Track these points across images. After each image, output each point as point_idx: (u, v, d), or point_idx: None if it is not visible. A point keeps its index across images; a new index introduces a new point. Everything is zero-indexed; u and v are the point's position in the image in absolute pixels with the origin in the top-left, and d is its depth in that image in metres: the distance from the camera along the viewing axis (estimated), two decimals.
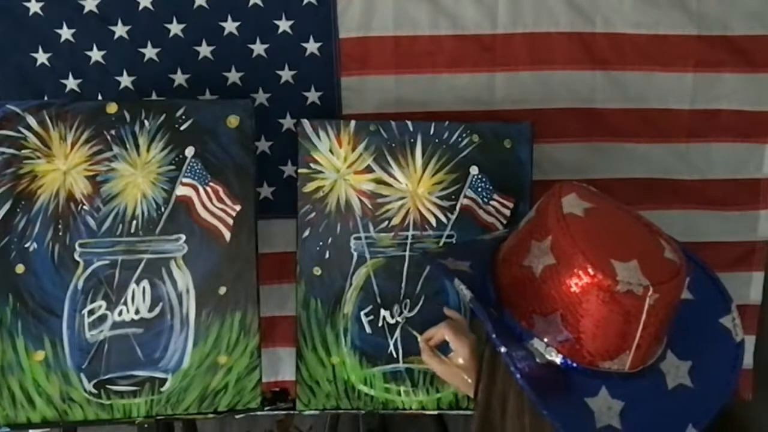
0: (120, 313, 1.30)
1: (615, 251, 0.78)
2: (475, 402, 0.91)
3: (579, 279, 0.77)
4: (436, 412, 1.42)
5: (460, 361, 1.11)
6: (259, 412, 1.40)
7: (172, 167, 1.30)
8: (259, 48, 1.48)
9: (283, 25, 1.48)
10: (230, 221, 1.31)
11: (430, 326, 1.24)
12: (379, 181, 1.36)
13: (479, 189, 1.37)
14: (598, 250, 0.78)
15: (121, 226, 1.30)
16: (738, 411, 0.92)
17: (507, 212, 1.37)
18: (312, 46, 1.49)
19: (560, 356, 0.81)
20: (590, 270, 0.77)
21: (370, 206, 1.36)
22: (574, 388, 0.80)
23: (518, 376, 0.78)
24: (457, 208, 1.37)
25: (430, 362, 1.17)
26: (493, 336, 0.81)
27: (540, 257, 0.81)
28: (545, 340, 0.82)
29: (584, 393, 0.80)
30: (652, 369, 0.84)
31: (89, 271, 1.29)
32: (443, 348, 1.18)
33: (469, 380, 1.09)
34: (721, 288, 0.93)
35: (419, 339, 1.23)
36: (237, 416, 1.58)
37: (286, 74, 1.50)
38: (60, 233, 1.28)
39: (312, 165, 1.35)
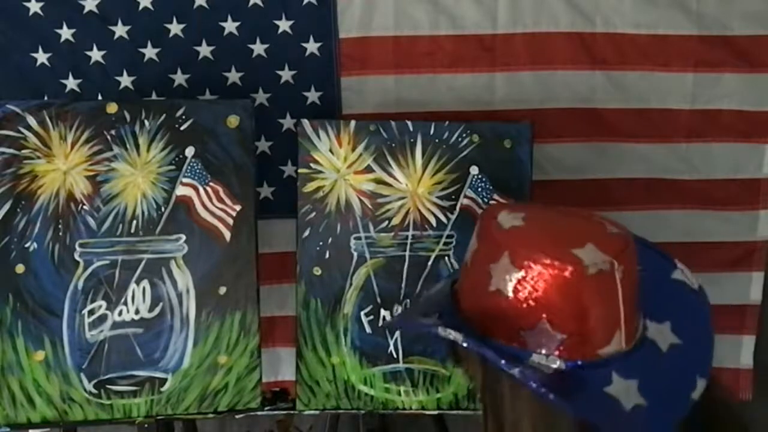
0: (120, 313, 1.30)
1: (569, 241, 0.80)
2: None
3: (551, 278, 0.78)
4: (436, 412, 1.42)
5: None
6: (259, 412, 1.40)
7: (172, 167, 1.30)
8: (259, 48, 1.48)
9: (283, 25, 1.48)
10: (230, 221, 1.31)
11: None
12: (379, 181, 1.36)
13: (479, 189, 1.37)
14: (555, 245, 0.79)
15: (121, 226, 1.30)
16: (738, 411, 0.92)
17: None
18: (312, 46, 1.49)
19: (562, 360, 0.81)
20: (558, 264, 0.78)
21: (370, 206, 1.36)
22: (589, 383, 0.81)
23: (543, 390, 0.78)
24: (457, 208, 1.37)
25: None
26: (502, 362, 0.81)
27: (504, 276, 0.81)
28: (542, 351, 0.81)
29: (600, 384, 0.80)
30: (644, 340, 0.86)
31: (89, 271, 1.29)
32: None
33: None
34: (658, 250, 0.95)
35: None
36: (237, 416, 1.58)
37: (286, 74, 1.50)
38: (60, 233, 1.28)
39: (312, 165, 1.35)
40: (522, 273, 0.79)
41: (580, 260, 0.77)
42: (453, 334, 0.84)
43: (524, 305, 0.80)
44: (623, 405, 0.79)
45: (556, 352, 0.81)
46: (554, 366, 0.81)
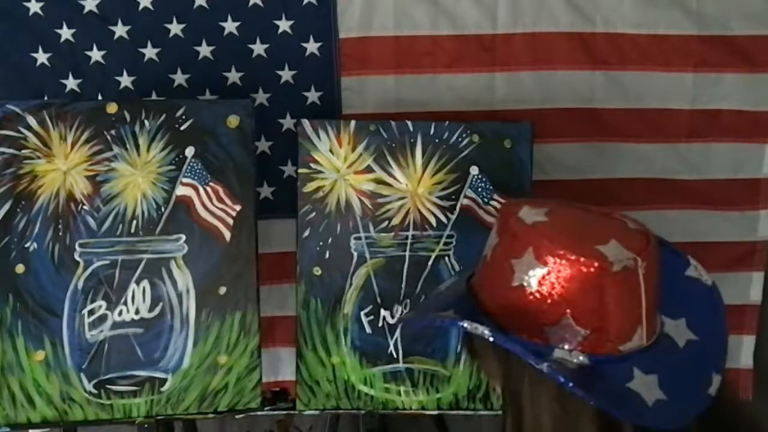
0: (120, 313, 1.30)
1: (593, 238, 0.80)
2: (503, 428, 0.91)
3: (577, 274, 0.78)
4: (436, 412, 1.42)
5: None
6: (259, 412, 1.40)
7: (172, 167, 1.30)
8: (259, 48, 1.48)
9: (283, 25, 1.48)
10: (230, 221, 1.31)
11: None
12: (379, 181, 1.36)
13: (479, 189, 1.37)
14: (579, 241, 0.80)
15: (121, 226, 1.30)
16: (740, 410, 0.92)
17: None
18: (312, 46, 1.49)
19: (585, 355, 0.81)
20: (583, 260, 0.78)
21: (370, 206, 1.36)
22: (611, 378, 0.81)
23: (570, 384, 0.78)
24: (457, 208, 1.37)
25: None
26: (532, 357, 0.80)
27: (527, 272, 0.81)
28: (565, 346, 0.81)
29: (622, 380, 0.81)
30: (662, 335, 0.86)
31: (89, 271, 1.29)
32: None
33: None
34: (671, 247, 0.95)
35: None
36: (237, 416, 1.58)
37: (286, 74, 1.50)
38: (60, 233, 1.28)
39: (312, 165, 1.35)
40: (546, 269, 0.79)
41: (604, 257, 0.78)
42: (480, 329, 0.84)
43: (548, 301, 0.80)
44: (646, 400, 0.79)
45: (579, 348, 0.81)
46: (577, 361, 0.81)
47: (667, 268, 0.89)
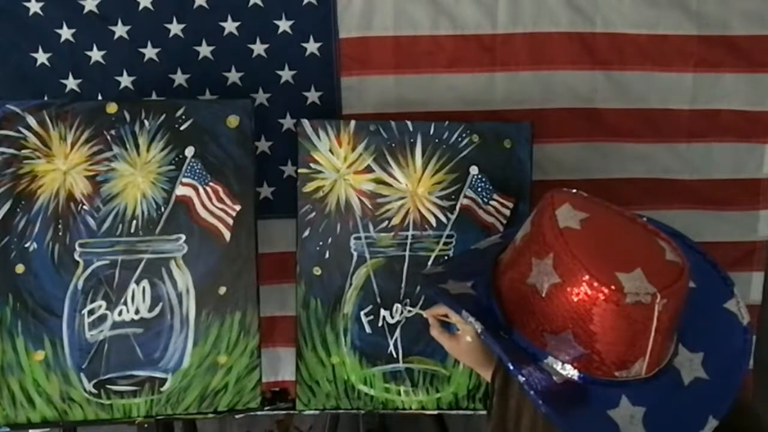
0: (120, 313, 1.30)
1: (617, 262, 0.77)
2: (488, 418, 0.91)
3: (586, 296, 0.77)
4: (436, 412, 1.42)
5: (468, 339, 1.08)
6: (259, 412, 1.40)
7: (172, 167, 1.30)
8: (259, 48, 1.48)
9: (283, 25, 1.48)
10: (230, 221, 1.31)
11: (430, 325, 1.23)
12: (379, 181, 1.36)
13: (479, 189, 1.37)
14: (601, 263, 0.77)
15: (121, 226, 1.30)
16: (744, 410, 0.91)
17: (507, 212, 1.37)
18: (312, 46, 1.49)
19: (576, 371, 0.80)
20: (596, 285, 0.76)
21: (370, 206, 1.36)
22: (595, 401, 0.80)
23: (540, 402, 0.78)
24: (457, 208, 1.37)
25: (439, 338, 1.14)
26: (510, 367, 0.81)
27: (544, 276, 0.80)
28: (559, 357, 0.81)
29: (605, 405, 0.80)
30: (668, 367, 0.84)
31: (89, 271, 1.29)
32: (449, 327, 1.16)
33: (479, 358, 1.08)
34: (721, 273, 0.92)
35: (426, 314, 1.18)
36: (237, 416, 1.58)
37: (286, 74, 1.50)
38: (60, 233, 1.28)
39: (312, 165, 1.35)
40: (560, 280, 0.78)
41: (620, 286, 0.75)
42: (475, 323, 0.84)
43: (554, 311, 0.79)
44: None
45: (574, 364, 0.80)
46: (565, 374, 0.81)
47: (706, 295, 0.86)
